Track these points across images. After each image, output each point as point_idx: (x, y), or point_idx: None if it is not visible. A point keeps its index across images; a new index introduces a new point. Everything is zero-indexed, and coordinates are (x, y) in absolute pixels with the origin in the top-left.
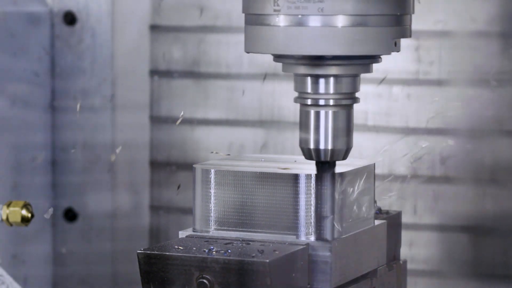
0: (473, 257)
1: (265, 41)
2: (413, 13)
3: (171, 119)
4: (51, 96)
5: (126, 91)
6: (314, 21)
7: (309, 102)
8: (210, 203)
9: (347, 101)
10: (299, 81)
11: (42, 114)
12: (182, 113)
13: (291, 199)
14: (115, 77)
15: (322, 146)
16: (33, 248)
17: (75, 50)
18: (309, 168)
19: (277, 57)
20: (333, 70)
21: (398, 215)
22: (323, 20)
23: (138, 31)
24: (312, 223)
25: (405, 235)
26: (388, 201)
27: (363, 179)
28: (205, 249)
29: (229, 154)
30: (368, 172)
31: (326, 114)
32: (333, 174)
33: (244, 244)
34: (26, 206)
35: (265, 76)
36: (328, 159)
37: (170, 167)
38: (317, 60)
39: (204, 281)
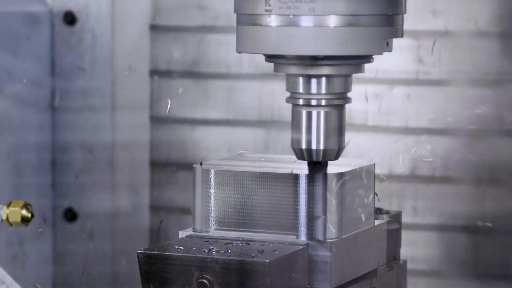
0: (473, 257)
1: (257, 41)
2: (405, 13)
3: (171, 119)
4: (51, 96)
5: (126, 91)
6: (306, 21)
7: (301, 102)
8: (210, 203)
9: (339, 101)
10: (291, 81)
11: (42, 114)
12: (169, 102)
13: (291, 199)
14: (115, 77)
15: (314, 146)
16: (33, 248)
17: (75, 50)
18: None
19: (269, 57)
20: (325, 70)
21: (398, 215)
22: (314, 20)
23: (138, 31)
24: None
25: (405, 235)
26: (388, 201)
27: (363, 179)
28: (205, 249)
29: (243, 152)
30: (368, 172)
31: (318, 114)
32: (325, 174)
33: (244, 244)
34: (26, 206)
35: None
36: (320, 159)
37: (170, 167)
38: (308, 60)
39: (204, 281)
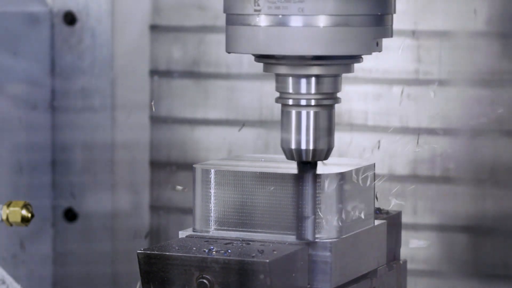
0: (473, 257)
1: (246, 41)
2: (395, 13)
3: (171, 119)
4: (51, 96)
5: (126, 91)
6: (295, 21)
7: (290, 102)
8: (210, 203)
9: (328, 101)
10: (280, 81)
11: (42, 114)
12: (153, 102)
13: (291, 199)
14: (115, 77)
15: (303, 146)
16: (33, 248)
17: (75, 50)
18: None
19: (258, 57)
20: (315, 70)
21: (398, 215)
22: (303, 20)
23: (138, 31)
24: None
25: (405, 235)
26: (388, 201)
27: (363, 179)
28: (205, 249)
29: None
30: (368, 172)
31: (308, 114)
32: (315, 175)
33: (244, 244)
34: (26, 206)
35: None
36: (310, 159)
37: (170, 167)
38: (298, 60)
39: (204, 281)
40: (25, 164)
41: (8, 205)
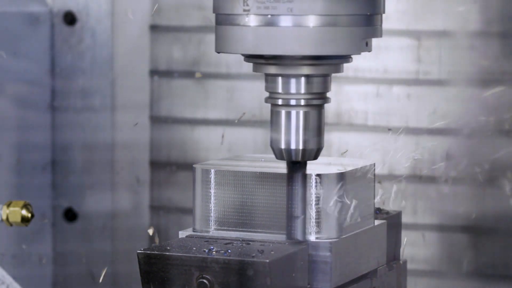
0: (473, 257)
1: (235, 41)
2: (384, 12)
3: (171, 119)
4: (51, 96)
5: (126, 91)
6: (284, 21)
7: (280, 102)
8: (210, 203)
9: (318, 101)
10: (269, 81)
11: (42, 114)
12: (136, 124)
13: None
14: (115, 77)
15: (293, 146)
16: (33, 248)
17: (75, 50)
18: (310, 167)
19: (248, 57)
20: (304, 70)
21: (398, 215)
22: (292, 20)
23: (138, 31)
24: (312, 223)
25: (405, 235)
26: (388, 201)
27: (363, 179)
28: (205, 249)
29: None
30: (368, 172)
31: (297, 114)
32: (305, 175)
33: (244, 244)
34: (26, 206)
35: None
36: (300, 159)
37: (170, 167)
38: (287, 60)
39: (204, 281)
40: (25, 164)
41: (8, 205)
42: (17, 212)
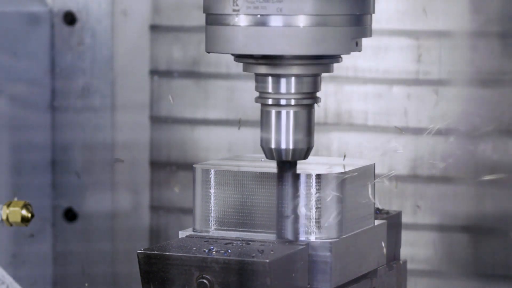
0: (473, 257)
1: (225, 41)
2: (373, 12)
3: (171, 119)
4: (51, 96)
5: (126, 91)
6: (273, 21)
7: (270, 102)
8: (210, 203)
9: (308, 100)
10: (259, 81)
11: (42, 114)
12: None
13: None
14: (115, 77)
15: (283, 146)
16: (33, 248)
17: (75, 50)
18: (310, 168)
19: (238, 57)
20: (294, 69)
21: (398, 215)
22: (282, 20)
23: (138, 31)
24: (312, 223)
25: (405, 235)
26: (388, 201)
27: (363, 179)
28: (205, 249)
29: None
30: (368, 172)
31: (287, 114)
32: (295, 174)
33: (244, 244)
34: (26, 206)
35: None
36: (289, 158)
37: (170, 167)
38: (277, 60)
39: (204, 281)
40: (25, 164)
41: (8, 205)
42: (17, 212)
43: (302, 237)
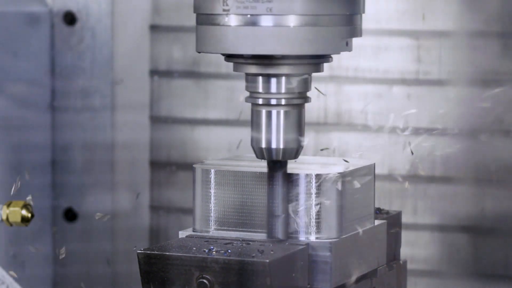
0: (473, 257)
1: (216, 41)
2: (364, 12)
3: (171, 119)
4: (51, 96)
5: (126, 91)
6: (263, 21)
7: (260, 101)
8: (210, 203)
9: (298, 100)
10: (250, 80)
11: (42, 114)
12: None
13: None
14: (115, 77)
15: (274, 146)
16: (33, 248)
17: (75, 50)
18: (310, 168)
19: (228, 57)
20: (284, 69)
21: (398, 215)
22: (272, 19)
23: (138, 31)
24: (312, 223)
25: (405, 235)
26: (388, 201)
27: (363, 179)
28: (205, 249)
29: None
30: (368, 172)
31: (278, 113)
32: (285, 174)
33: (244, 244)
34: (26, 206)
35: None
36: (280, 158)
37: (170, 167)
38: (267, 60)
39: (204, 281)
40: (25, 164)
41: (8, 205)
42: (17, 212)
43: (302, 237)
